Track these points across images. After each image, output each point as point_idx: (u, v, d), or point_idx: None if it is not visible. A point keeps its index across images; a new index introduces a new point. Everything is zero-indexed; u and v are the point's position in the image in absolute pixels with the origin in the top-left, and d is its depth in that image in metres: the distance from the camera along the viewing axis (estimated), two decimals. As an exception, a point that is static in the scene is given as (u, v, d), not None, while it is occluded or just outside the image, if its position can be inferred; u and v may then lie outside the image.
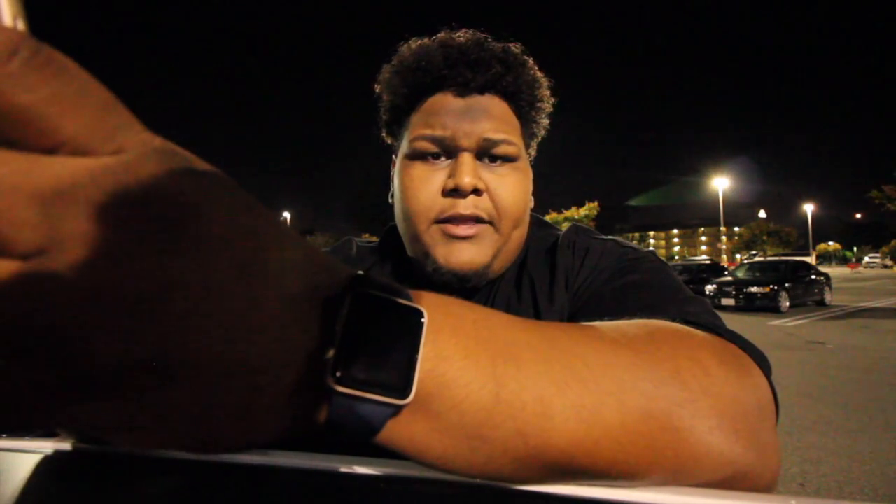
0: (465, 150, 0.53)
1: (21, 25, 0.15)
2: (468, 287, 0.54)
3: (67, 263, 0.14)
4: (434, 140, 0.53)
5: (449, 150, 0.54)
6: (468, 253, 0.52)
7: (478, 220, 0.53)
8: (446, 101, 0.55)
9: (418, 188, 0.54)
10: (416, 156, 0.55)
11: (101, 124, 0.15)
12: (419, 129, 0.54)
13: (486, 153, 0.54)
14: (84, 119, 0.15)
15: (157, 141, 0.17)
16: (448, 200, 0.53)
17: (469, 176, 0.52)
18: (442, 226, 0.53)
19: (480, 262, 0.53)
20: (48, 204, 0.14)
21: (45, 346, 0.15)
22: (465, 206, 0.52)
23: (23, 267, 0.14)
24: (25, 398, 0.16)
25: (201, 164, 0.18)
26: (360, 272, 0.22)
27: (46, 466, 0.30)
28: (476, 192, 0.53)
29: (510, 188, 0.54)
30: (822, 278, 12.49)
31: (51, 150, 0.15)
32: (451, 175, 0.53)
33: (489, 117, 0.54)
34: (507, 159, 0.55)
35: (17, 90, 0.14)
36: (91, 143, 0.15)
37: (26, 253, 0.14)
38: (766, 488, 0.30)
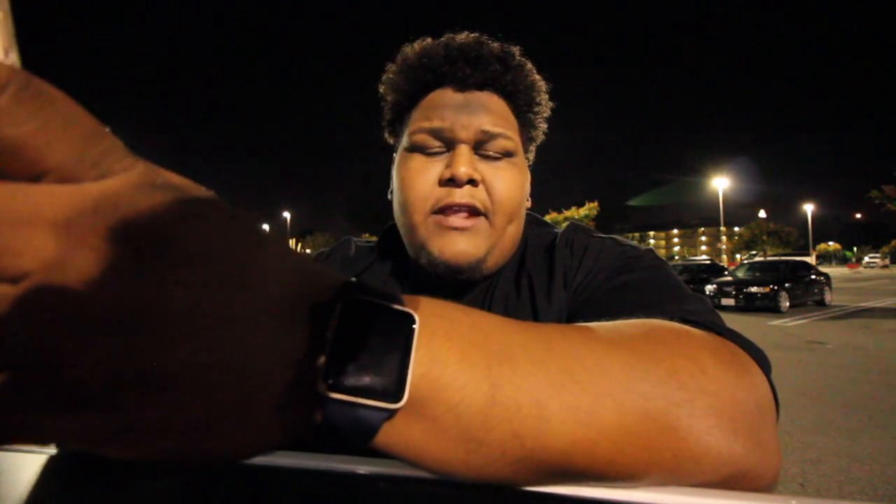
0: (462, 141, 0.53)
1: (13, 56, 0.16)
2: (462, 279, 0.55)
3: (54, 286, 0.15)
4: (432, 132, 0.54)
5: (447, 141, 0.54)
6: (462, 244, 0.53)
7: (473, 210, 0.53)
8: (446, 96, 0.55)
9: (415, 178, 0.54)
10: (415, 148, 0.55)
11: (86, 152, 0.16)
12: (418, 122, 0.55)
13: (484, 146, 0.54)
14: (69, 148, 0.15)
15: (141, 165, 0.17)
16: (444, 190, 0.53)
17: (465, 166, 0.52)
18: (437, 217, 0.54)
19: (474, 253, 0.53)
20: (33, 230, 0.15)
21: (34, 364, 0.15)
22: (461, 195, 0.53)
23: (9, 290, 0.15)
24: (17, 412, 0.16)
25: (186, 186, 0.18)
26: (352, 279, 0.22)
27: (47, 467, 0.30)
28: (472, 182, 0.53)
29: (506, 181, 0.55)
30: (822, 278, 12.49)
31: (36, 177, 0.15)
32: (448, 165, 0.53)
33: (487, 112, 0.55)
34: (505, 153, 0.55)
35: (6, 123, 0.14)
36: (76, 170, 0.16)
37: (13, 277, 0.15)
38: (766, 488, 0.30)
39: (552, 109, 0.62)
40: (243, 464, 0.29)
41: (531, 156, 0.63)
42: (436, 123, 0.54)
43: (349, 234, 0.81)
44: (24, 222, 0.15)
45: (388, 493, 0.27)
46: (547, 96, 0.61)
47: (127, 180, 0.16)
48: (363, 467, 0.28)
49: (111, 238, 0.15)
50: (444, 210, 0.53)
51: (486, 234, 0.54)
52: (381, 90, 0.61)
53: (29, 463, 0.31)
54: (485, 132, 0.54)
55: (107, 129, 0.17)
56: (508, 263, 0.59)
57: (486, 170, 0.54)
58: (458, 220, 0.53)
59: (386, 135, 0.64)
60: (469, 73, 0.55)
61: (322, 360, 0.19)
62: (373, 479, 0.28)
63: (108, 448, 0.18)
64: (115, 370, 0.16)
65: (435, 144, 0.54)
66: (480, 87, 0.56)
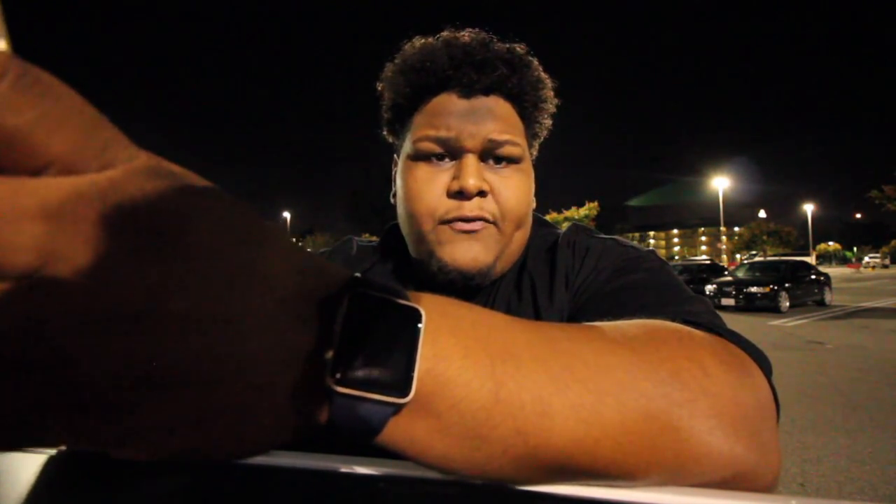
0: (469, 151, 0.53)
1: (3, 44, 0.15)
2: (472, 286, 0.54)
3: (61, 281, 0.15)
4: (438, 141, 0.53)
5: (453, 151, 0.53)
6: (473, 250, 0.52)
7: (482, 220, 0.53)
8: (450, 102, 0.54)
9: (422, 189, 0.54)
10: (420, 157, 0.54)
11: (88, 142, 0.15)
12: (423, 130, 0.54)
13: (490, 154, 0.54)
14: (71, 138, 0.15)
15: (144, 156, 0.17)
16: (453, 202, 0.53)
17: (474, 178, 0.51)
18: (447, 225, 0.53)
19: (484, 260, 0.53)
20: (39, 226, 0.14)
21: (42, 363, 0.15)
22: (471, 208, 0.52)
23: (17, 287, 0.14)
24: (24, 415, 0.16)
25: (188, 176, 0.18)
26: (358, 274, 0.22)
27: (47, 467, 0.30)
28: (481, 193, 0.53)
29: (514, 190, 0.54)
30: (822, 278, 12.49)
31: (38, 170, 0.15)
32: (455, 177, 0.53)
33: (494, 118, 0.54)
34: (511, 160, 0.55)
35: (5, 113, 0.14)
36: (79, 161, 0.15)
37: (19, 274, 0.14)
38: (766, 488, 0.30)
39: (557, 106, 0.61)
40: (243, 464, 0.29)
41: (535, 151, 0.62)
42: (442, 133, 0.53)
43: (349, 233, 0.81)
44: (28, 218, 0.14)
45: (388, 493, 0.27)
46: (552, 93, 0.60)
47: (131, 170, 0.16)
48: (363, 467, 0.28)
49: (118, 230, 0.15)
50: (454, 221, 0.53)
51: (495, 240, 0.54)
52: (379, 89, 0.60)
53: (29, 463, 0.31)
54: (492, 140, 0.53)
55: (107, 119, 0.16)
56: (511, 266, 0.59)
57: (494, 179, 0.54)
58: (466, 224, 0.52)
59: (384, 132, 0.63)
60: (475, 78, 0.53)
61: (330, 354, 0.19)
62: (373, 479, 0.28)
63: (115, 449, 0.18)
64: (122, 369, 0.16)
65: (440, 153, 0.54)
66: (486, 93, 0.54)
